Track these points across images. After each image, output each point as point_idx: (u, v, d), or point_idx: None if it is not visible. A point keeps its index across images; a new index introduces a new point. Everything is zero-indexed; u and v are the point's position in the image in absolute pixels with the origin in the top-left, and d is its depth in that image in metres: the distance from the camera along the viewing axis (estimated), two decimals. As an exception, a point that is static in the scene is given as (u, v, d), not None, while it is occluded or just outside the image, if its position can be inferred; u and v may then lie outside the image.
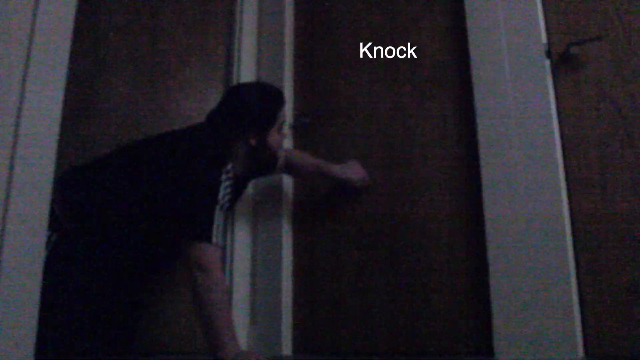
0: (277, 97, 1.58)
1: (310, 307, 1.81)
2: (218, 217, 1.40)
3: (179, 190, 1.41)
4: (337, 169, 1.75)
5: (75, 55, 1.63)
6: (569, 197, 1.41)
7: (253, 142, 1.52)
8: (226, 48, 2.12)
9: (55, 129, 1.33)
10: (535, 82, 1.49)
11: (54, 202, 1.35)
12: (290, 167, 1.80)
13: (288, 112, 1.98)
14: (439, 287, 1.60)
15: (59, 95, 1.35)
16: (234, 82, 2.06)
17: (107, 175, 1.49)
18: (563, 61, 1.49)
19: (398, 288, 1.67)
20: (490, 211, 1.48)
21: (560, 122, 1.46)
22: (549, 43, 1.51)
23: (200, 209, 1.40)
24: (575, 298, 1.34)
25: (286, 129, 1.72)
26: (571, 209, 1.40)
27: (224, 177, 1.43)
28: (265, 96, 1.56)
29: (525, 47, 1.53)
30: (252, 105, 1.53)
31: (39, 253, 1.22)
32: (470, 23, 1.65)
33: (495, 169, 1.50)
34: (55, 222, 1.37)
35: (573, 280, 1.35)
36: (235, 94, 1.60)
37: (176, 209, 1.41)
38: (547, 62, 1.50)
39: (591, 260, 1.36)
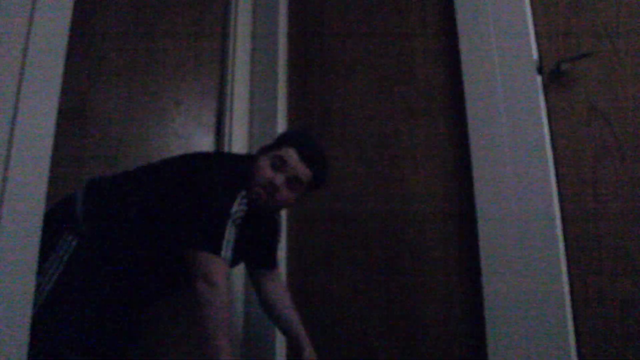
0: (293, 135, 1.54)
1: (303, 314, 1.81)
2: (229, 233, 1.32)
3: (192, 196, 1.36)
4: (306, 352, 1.54)
5: (69, 67, 1.66)
6: (562, 213, 1.41)
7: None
8: (220, 63, 2.14)
9: (49, 140, 1.34)
10: (527, 98, 1.50)
11: (77, 208, 1.36)
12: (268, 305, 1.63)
13: (279, 124, 1.99)
14: (432, 297, 1.60)
15: (54, 104, 1.37)
16: (228, 97, 2.08)
17: (130, 186, 1.47)
18: (554, 77, 1.50)
19: (393, 298, 1.68)
20: (483, 227, 1.49)
21: (552, 138, 1.47)
22: (540, 59, 1.53)
23: (211, 218, 1.33)
24: (569, 316, 1.34)
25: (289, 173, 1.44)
26: (564, 225, 1.41)
27: (239, 196, 1.36)
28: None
29: (516, 64, 1.54)
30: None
31: (33, 256, 1.21)
32: (462, 40, 1.66)
33: (487, 184, 1.51)
34: (76, 227, 1.36)
35: (567, 298, 1.35)
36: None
37: (187, 215, 1.35)
38: (539, 78, 1.51)
39: (584, 274, 1.36)
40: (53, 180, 1.50)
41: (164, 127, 1.96)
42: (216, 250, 1.30)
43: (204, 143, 2.07)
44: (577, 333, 1.34)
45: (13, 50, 1.34)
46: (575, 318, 1.35)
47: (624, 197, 1.36)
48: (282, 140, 1.46)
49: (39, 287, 1.25)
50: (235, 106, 2.10)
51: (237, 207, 1.34)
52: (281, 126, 2.05)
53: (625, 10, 1.45)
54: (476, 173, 1.54)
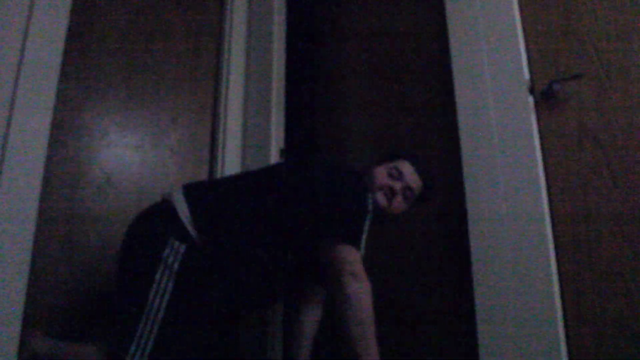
0: (410, 153, 1.55)
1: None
2: (366, 230, 1.31)
3: (333, 190, 1.34)
4: None
5: (65, 78, 1.68)
6: (554, 234, 1.41)
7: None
8: (214, 81, 2.16)
9: (44, 145, 1.36)
10: (519, 118, 1.51)
11: (179, 214, 1.32)
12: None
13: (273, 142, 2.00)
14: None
15: (49, 106, 1.40)
16: (221, 114, 2.09)
17: (240, 189, 1.42)
18: (546, 97, 1.51)
19: (387, 295, 1.67)
20: (476, 248, 1.48)
21: (544, 157, 1.47)
22: (532, 80, 1.54)
23: (353, 214, 1.32)
24: (561, 332, 1.33)
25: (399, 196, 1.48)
26: (557, 247, 1.40)
27: (369, 197, 1.37)
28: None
29: (508, 84, 1.56)
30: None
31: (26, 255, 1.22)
32: (454, 61, 1.68)
33: (480, 205, 1.51)
34: (182, 233, 1.31)
35: (559, 317, 1.35)
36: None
37: (329, 209, 1.31)
38: (530, 99, 1.52)
39: (576, 292, 1.36)
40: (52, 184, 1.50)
41: (159, 141, 1.97)
42: (357, 245, 1.27)
43: (198, 158, 2.07)
44: (570, 352, 1.33)
45: (10, 54, 1.36)
46: (567, 337, 1.34)
47: (615, 217, 1.35)
48: (396, 154, 1.51)
49: (149, 298, 1.21)
50: (229, 123, 2.12)
51: (370, 206, 1.34)
52: (275, 142, 2.05)
53: (615, 32, 1.47)
54: (469, 193, 1.54)
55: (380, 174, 1.45)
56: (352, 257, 1.25)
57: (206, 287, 1.30)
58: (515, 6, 1.59)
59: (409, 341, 1.62)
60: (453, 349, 1.55)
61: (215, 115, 2.13)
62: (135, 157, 1.88)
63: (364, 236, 1.30)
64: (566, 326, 1.35)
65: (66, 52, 1.66)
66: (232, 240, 1.34)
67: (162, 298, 1.22)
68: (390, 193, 1.42)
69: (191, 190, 1.39)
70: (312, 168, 1.44)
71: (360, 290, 1.22)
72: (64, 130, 1.70)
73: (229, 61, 2.16)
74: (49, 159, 1.58)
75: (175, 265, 1.25)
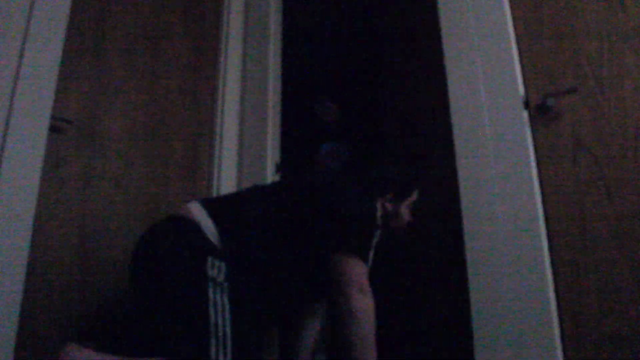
0: (416, 175, 1.67)
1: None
2: (374, 242, 1.33)
3: (346, 204, 1.36)
4: None
5: (78, 78, 1.71)
6: (550, 247, 1.41)
7: (389, 206, 1.55)
8: (212, 96, 2.17)
9: (42, 142, 1.37)
10: (514, 133, 1.52)
11: (206, 232, 1.29)
12: None
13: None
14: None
15: (47, 107, 1.41)
16: (217, 127, 2.09)
17: (260, 204, 1.40)
18: (540, 112, 1.52)
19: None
20: (472, 259, 1.48)
21: (539, 171, 1.48)
22: (527, 95, 1.55)
23: (362, 226, 1.33)
24: (558, 347, 1.32)
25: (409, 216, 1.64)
26: (553, 261, 1.40)
27: (379, 205, 1.42)
28: (409, 168, 1.69)
29: (503, 99, 1.56)
30: (397, 169, 1.64)
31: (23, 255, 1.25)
32: (450, 76, 1.69)
33: (475, 219, 1.51)
34: (216, 250, 1.28)
35: (556, 332, 1.34)
36: (380, 159, 1.68)
37: (339, 221, 1.32)
38: (525, 113, 1.53)
39: (573, 309, 1.35)
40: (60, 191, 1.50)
41: (166, 152, 1.96)
42: (365, 259, 1.27)
43: (199, 172, 2.07)
44: (565, 354, 1.32)
45: (9, 54, 1.38)
46: (564, 348, 1.33)
47: (610, 230, 1.35)
48: (412, 186, 1.61)
49: (211, 316, 1.18)
50: (225, 137, 2.13)
51: (378, 220, 1.37)
52: (271, 156, 2.05)
53: (609, 46, 1.48)
54: (464, 208, 1.54)
55: (405, 214, 1.56)
56: (360, 270, 1.25)
57: (254, 298, 1.30)
58: (510, 22, 1.61)
59: (408, 342, 1.61)
60: (451, 350, 1.53)
61: (212, 130, 2.13)
62: (142, 161, 1.88)
63: (372, 251, 1.30)
64: (562, 334, 1.34)
65: (81, 53, 1.70)
66: (256, 254, 1.33)
67: (223, 315, 1.19)
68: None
69: (212, 207, 1.37)
70: (324, 180, 1.45)
71: (366, 306, 1.22)
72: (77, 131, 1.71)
73: (225, 77, 2.17)
74: (63, 159, 1.61)
75: (224, 282, 1.23)
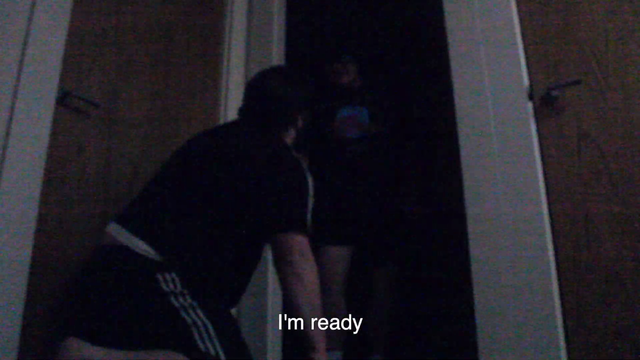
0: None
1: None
2: (310, 210, 1.35)
3: (275, 176, 1.35)
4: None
5: (101, 65, 1.75)
6: (554, 239, 1.41)
7: (301, 123, 1.55)
8: (215, 88, 2.16)
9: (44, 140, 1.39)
10: (518, 124, 1.52)
11: (138, 249, 1.24)
12: None
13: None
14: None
15: (51, 104, 1.42)
16: (221, 115, 2.09)
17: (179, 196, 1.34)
18: (545, 103, 1.52)
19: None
20: (475, 253, 1.48)
21: (543, 163, 1.48)
22: (531, 86, 1.55)
23: (299, 196, 1.35)
24: (562, 343, 1.33)
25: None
26: (556, 252, 1.40)
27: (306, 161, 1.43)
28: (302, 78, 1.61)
29: (508, 90, 1.56)
30: (296, 85, 1.58)
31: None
32: (454, 67, 1.68)
33: (479, 209, 1.51)
34: (158, 264, 1.24)
35: (560, 328, 1.34)
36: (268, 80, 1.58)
37: (276, 197, 1.33)
38: (530, 105, 1.53)
39: (577, 305, 1.36)
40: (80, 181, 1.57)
41: (180, 140, 1.96)
42: (305, 230, 1.32)
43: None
44: (570, 353, 1.33)
45: (11, 53, 1.39)
46: (568, 343, 1.34)
47: (614, 222, 1.36)
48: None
49: (188, 321, 1.17)
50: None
51: (311, 185, 1.37)
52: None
53: (613, 38, 1.48)
54: (468, 200, 1.54)
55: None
56: (300, 239, 1.29)
57: (218, 293, 1.29)
58: (515, 13, 1.60)
59: (409, 341, 1.63)
60: (454, 345, 1.55)
61: (216, 123, 2.13)
62: (160, 144, 1.88)
63: (309, 215, 1.33)
64: (566, 330, 1.35)
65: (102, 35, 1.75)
66: (198, 251, 1.29)
67: (197, 314, 1.18)
68: None
69: (131, 223, 1.30)
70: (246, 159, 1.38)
71: (310, 269, 1.28)
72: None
73: (228, 71, 2.16)
74: (84, 144, 1.65)
75: (183, 290, 1.20)
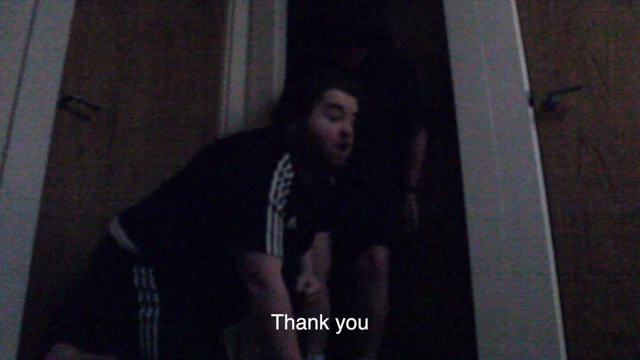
0: (324, 74, 1.34)
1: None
2: (272, 223, 1.17)
3: (225, 189, 1.22)
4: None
5: (102, 67, 1.74)
6: (554, 243, 1.42)
7: (292, 125, 1.31)
8: (215, 93, 2.16)
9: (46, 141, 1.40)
10: (519, 129, 1.52)
11: (121, 243, 1.27)
12: None
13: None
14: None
15: (52, 104, 1.43)
16: (222, 125, 2.09)
17: (165, 197, 1.35)
18: (545, 109, 1.53)
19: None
20: (476, 257, 1.48)
21: (543, 168, 1.48)
22: (532, 92, 1.56)
23: (248, 211, 1.18)
24: (561, 343, 1.34)
25: (347, 123, 1.30)
26: (556, 256, 1.41)
27: (277, 172, 1.20)
28: (308, 72, 1.38)
29: (509, 96, 1.57)
30: (293, 81, 1.42)
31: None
32: (455, 73, 1.69)
33: (480, 213, 1.52)
34: (136, 258, 1.26)
35: (559, 328, 1.35)
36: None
37: (223, 211, 1.21)
38: (530, 110, 1.54)
39: (576, 305, 1.36)
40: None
41: (179, 143, 1.96)
42: (261, 248, 1.15)
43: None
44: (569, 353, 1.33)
45: (13, 53, 1.39)
46: (567, 343, 1.34)
47: (613, 226, 1.36)
48: (315, 90, 1.30)
49: (140, 328, 1.20)
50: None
51: (276, 188, 1.19)
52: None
53: (613, 43, 1.49)
54: (468, 204, 1.54)
55: (321, 125, 1.26)
56: (253, 264, 1.16)
57: (191, 295, 1.26)
58: (516, 19, 1.61)
59: (409, 341, 1.63)
60: (453, 350, 1.55)
61: (216, 126, 2.13)
62: (160, 155, 1.88)
63: (269, 231, 1.16)
64: (565, 330, 1.35)
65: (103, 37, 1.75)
66: (174, 251, 1.27)
67: (151, 325, 1.20)
68: (346, 139, 1.26)
69: (124, 218, 1.33)
70: (205, 163, 1.33)
71: (263, 299, 1.14)
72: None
73: (229, 74, 2.16)
74: (85, 146, 1.65)
75: (152, 285, 1.23)
